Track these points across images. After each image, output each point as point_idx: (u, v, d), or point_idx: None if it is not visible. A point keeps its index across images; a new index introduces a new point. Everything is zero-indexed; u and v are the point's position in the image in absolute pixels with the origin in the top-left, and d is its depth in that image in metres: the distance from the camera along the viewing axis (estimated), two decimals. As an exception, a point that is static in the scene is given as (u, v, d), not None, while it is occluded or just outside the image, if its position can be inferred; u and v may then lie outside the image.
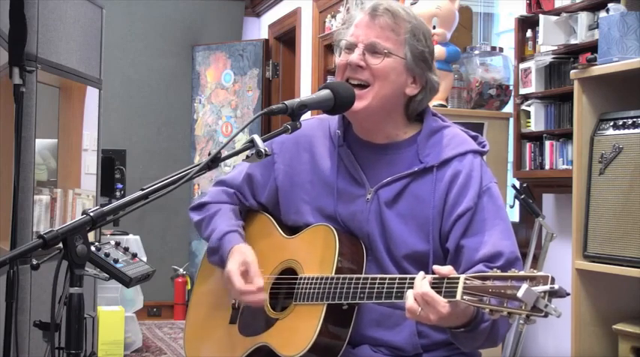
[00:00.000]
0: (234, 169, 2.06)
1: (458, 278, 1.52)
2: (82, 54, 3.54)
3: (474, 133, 1.89)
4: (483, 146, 1.86)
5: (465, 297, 1.50)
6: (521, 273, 1.45)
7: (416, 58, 1.80)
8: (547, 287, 1.40)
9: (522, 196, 3.06)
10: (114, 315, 4.79)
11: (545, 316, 1.39)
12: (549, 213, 3.48)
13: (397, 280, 1.64)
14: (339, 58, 1.84)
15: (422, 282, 1.56)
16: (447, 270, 1.55)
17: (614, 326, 2.75)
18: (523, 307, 1.40)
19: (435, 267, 1.57)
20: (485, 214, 1.76)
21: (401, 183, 1.80)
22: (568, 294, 1.42)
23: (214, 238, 1.93)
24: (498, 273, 1.48)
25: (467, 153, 1.81)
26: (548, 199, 3.55)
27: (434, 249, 1.78)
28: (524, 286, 1.40)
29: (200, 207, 2.03)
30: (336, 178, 1.86)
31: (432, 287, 1.55)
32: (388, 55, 1.77)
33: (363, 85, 1.78)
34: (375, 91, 1.78)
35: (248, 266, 1.84)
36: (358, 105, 1.77)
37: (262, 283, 1.83)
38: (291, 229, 1.94)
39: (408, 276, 1.63)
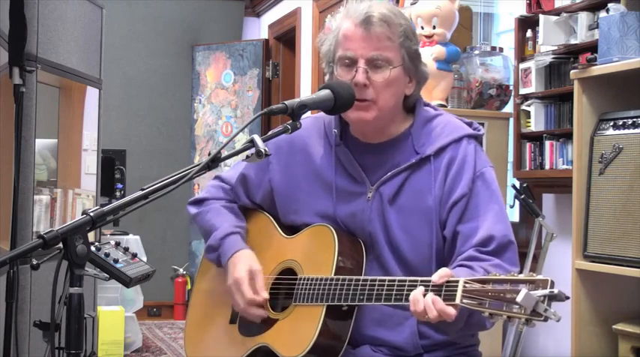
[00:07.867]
0: (233, 167, 2.06)
1: (457, 282, 1.52)
2: (82, 54, 3.53)
3: (468, 120, 1.89)
4: (478, 130, 1.86)
5: (464, 301, 1.50)
6: (521, 276, 1.45)
7: (412, 58, 1.80)
8: (546, 291, 1.39)
9: (522, 196, 3.05)
10: (114, 315, 4.79)
11: (545, 320, 1.39)
12: (549, 213, 3.47)
13: (397, 283, 1.64)
14: (338, 71, 1.80)
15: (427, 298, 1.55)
16: (442, 280, 1.55)
17: (614, 326, 2.74)
18: (523, 312, 1.40)
19: (433, 279, 1.56)
20: (479, 200, 1.76)
21: (401, 177, 1.80)
22: (567, 297, 1.41)
23: (216, 236, 1.93)
24: (498, 276, 1.48)
25: (461, 139, 1.81)
26: (548, 199, 3.55)
27: (437, 239, 1.78)
28: (524, 290, 1.39)
29: (199, 202, 2.04)
30: (335, 178, 1.86)
31: (432, 290, 1.55)
32: (391, 66, 1.76)
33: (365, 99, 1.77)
34: (380, 105, 1.77)
35: (254, 276, 1.85)
36: (366, 116, 1.77)
37: (267, 297, 1.84)
38: (291, 229, 1.94)
39: (408, 278, 1.63)
